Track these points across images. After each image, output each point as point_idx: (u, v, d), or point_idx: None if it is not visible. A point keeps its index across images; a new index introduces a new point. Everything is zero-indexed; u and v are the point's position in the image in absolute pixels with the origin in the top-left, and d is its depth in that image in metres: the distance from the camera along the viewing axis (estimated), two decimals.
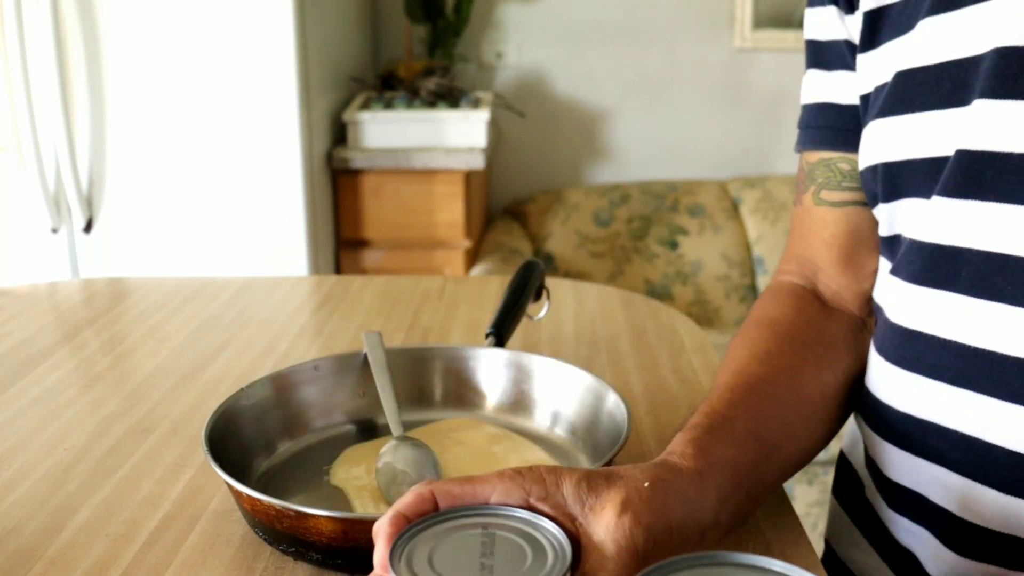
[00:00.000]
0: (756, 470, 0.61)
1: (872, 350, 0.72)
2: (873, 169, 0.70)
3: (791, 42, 2.81)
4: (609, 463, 0.69)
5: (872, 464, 0.74)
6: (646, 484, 0.53)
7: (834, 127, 0.77)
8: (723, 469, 0.58)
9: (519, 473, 0.52)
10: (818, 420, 0.70)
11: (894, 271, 0.69)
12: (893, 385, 0.68)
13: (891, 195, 0.69)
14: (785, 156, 2.88)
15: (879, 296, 0.74)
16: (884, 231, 0.72)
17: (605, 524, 0.50)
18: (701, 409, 0.64)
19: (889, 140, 0.68)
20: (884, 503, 0.72)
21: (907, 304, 0.67)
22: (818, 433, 0.70)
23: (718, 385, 0.68)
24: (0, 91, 1.99)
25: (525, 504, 0.51)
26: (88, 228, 2.11)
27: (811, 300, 0.78)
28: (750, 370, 0.69)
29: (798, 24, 2.84)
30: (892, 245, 0.71)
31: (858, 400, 0.75)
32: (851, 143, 0.75)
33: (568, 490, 0.51)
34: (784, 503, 0.71)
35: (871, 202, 0.73)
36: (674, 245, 2.74)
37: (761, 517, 0.69)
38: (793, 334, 0.74)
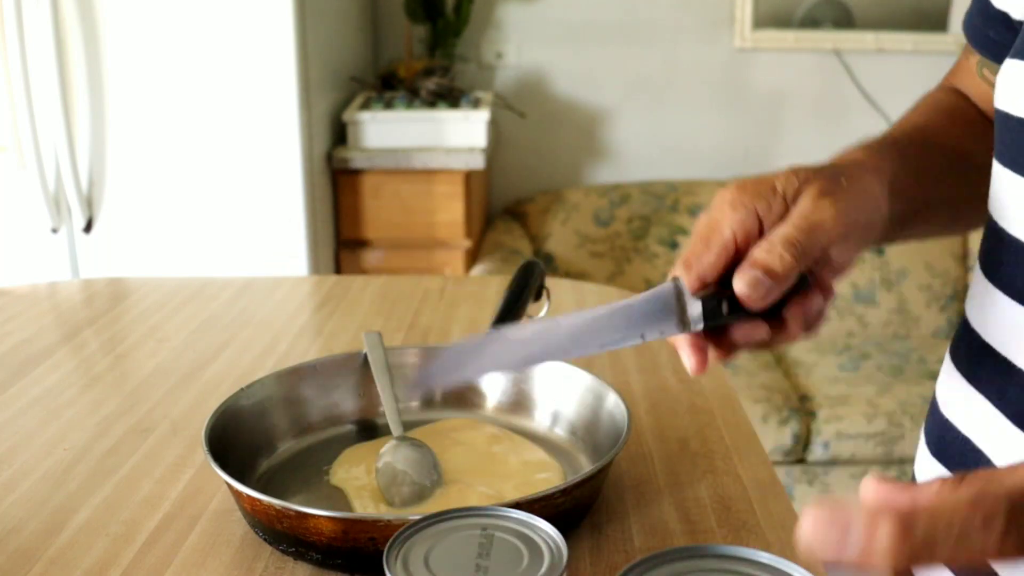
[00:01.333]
0: (916, 196, 0.64)
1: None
2: (998, 115, 0.61)
3: (791, 42, 2.81)
4: (609, 463, 0.69)
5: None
6: (843, 180, 0.57)
7: (985, 34, 0.67)
8: (891, 173, 0.61)
9: (743, 198, 0.57)
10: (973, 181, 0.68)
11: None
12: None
13: (1000, 155, 0.61)
14: (785, 156, 2.87)
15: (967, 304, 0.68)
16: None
17: (804, 205, 0.56)
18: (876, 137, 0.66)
19: (1015, 88, 0.59)
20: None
21: (977, 297, 0.64)
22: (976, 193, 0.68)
23: (890, 132, 0.69)
24: (0, 91, 1.99)
25: (758, 224, 0.57)
26: (88, 228, 2.11)
27: (968, 100, 0.75)
28: (918, 123, 0.71)
29: (798, 24, 2.84)
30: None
31: None
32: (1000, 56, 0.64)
33: (780, 186, 0.57)
34: (784, 503, 0.71)
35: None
36: (674, 245, 2.74)
37: (760, 516, 0.69)
38: (955, 113, 0.73)
